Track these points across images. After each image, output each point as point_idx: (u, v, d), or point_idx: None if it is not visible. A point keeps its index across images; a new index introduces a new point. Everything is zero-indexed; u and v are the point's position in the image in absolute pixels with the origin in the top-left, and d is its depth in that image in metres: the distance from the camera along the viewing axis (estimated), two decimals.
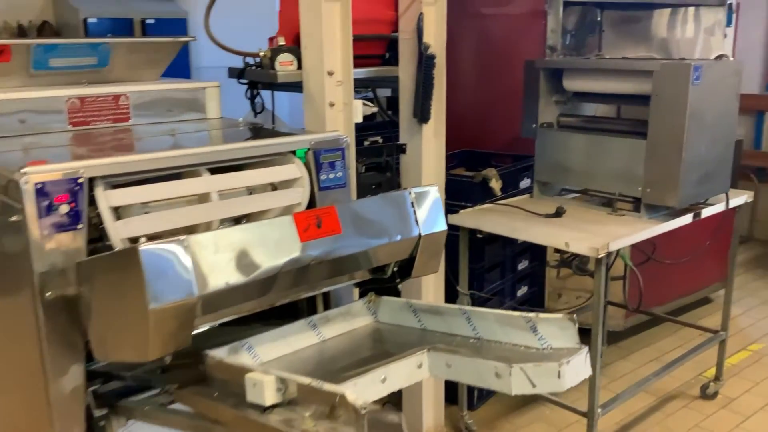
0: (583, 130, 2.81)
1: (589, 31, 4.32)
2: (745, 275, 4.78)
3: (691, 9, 4.16)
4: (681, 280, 3.86)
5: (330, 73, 2.28)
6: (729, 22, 4.40)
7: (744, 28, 5.31)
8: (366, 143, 3.00)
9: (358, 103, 2.37)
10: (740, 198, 2.87)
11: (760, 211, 5.55)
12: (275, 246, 1.38)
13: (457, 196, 2.91)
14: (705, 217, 2.68)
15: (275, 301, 1.54)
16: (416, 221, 1.53)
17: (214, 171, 1.68)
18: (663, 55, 4.26)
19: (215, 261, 1.31)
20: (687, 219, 2.60)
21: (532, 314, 1.52)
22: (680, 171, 2.43)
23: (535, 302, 3.38)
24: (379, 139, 2.90)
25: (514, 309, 3.23)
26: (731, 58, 2.64)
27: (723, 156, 2.65)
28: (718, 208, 2.74)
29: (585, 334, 3.72)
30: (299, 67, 2.34)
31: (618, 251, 2.55)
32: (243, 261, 1.35)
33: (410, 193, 1.55)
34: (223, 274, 1.32)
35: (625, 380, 3.31)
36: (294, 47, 2.34)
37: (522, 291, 3.28)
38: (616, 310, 3.53)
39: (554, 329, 1.51)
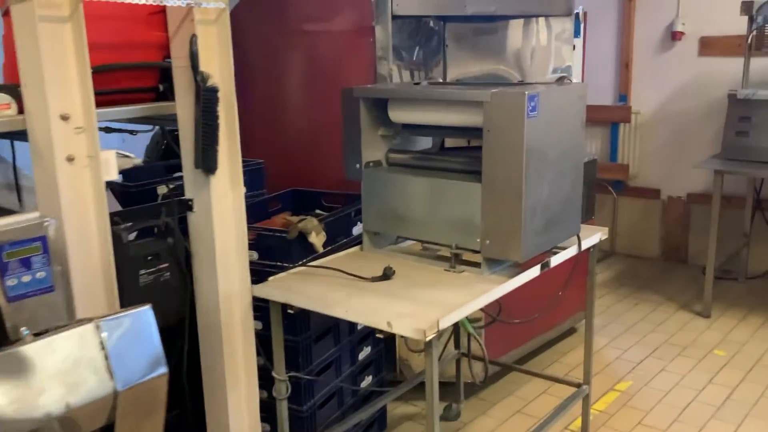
0: (414, 169, 2.38)
1: (431, 47, 3.95)
2: (608, 296, 4.58)
3: (543, 19, 3.87)
4: (540, 318, 3.54)
5: (64, 118, 1.70)
6: (577, 33, 4.16)
7: (595, 37, 5.16)
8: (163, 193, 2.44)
9: (110, 155, 1.80)
10: (594, 237, 2.53)
11: (621, 225, 5.42)
12: None
13: (271, 255, 2.40)
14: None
15: None
16: (109, 370, 1.00)
17: None
18: (515, 70, 3.96)
19: None
20: (534, 272, 2.21)
21: None
22: (521, 219, 2.03)
23: (382, 366, 2.92)
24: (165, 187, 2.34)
25: (355, 380, 2.75)
26: (573, 81, 2.30)
27: (572, 194, 2.29)
28: (569, 252, 2.38)
29: (448, 387, 3.37)
30: (21, 110, 1.74)
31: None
32: None
33: (97, 326, 1.01)
34: None
35: None
36: (13, 85, 1.74)
37: (365, 353, 2.81)
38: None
39: None
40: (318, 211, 2.94)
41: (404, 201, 2.30)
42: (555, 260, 2.31)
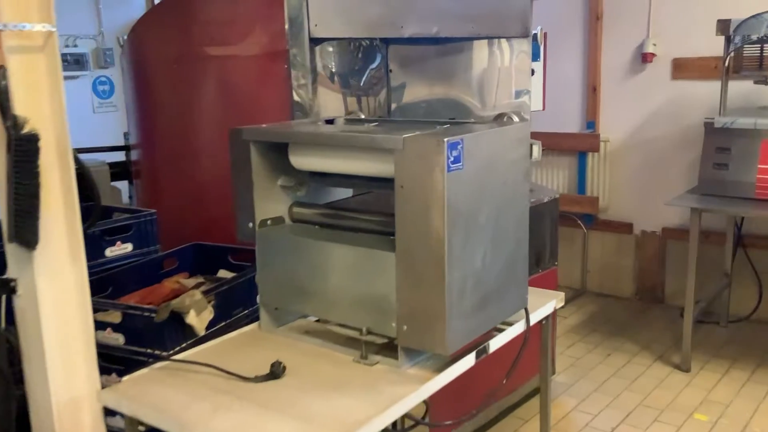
0: (321, 228, 1.91)
1: (380, 71, 3.51)
2: (578, 345, 4.12)
3: (501, 41, 3.45)
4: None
5: None
6: (537, 56, 3.74)
7: (559, 59, 4.76)
8: None
9: None
10: (546, 307, 2.07)
11: (592, 261, 4.99)
12: None
13: (140, 339, 1.91)
14: None
15: None
16: None
17: None
18: (472, 96, 3.53)
19: None
20: (468, 361, 1.75)
21: None
22: (445, 300, 1.57)
23: None
24: None
25: None
26: (515, 118, 1.85)
27: (515, 259, 1.83)
28: (514, 331, 1.92)
29: None
30: None
31: None
32: None
33: None
34: None
35: None
36: None
37: None
38: None
39: None
40: (222, 272, 2.46)
41: (306, 269, 1.82)
42: (495, 343, 1.84)
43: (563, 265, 5.06)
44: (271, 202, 1.94)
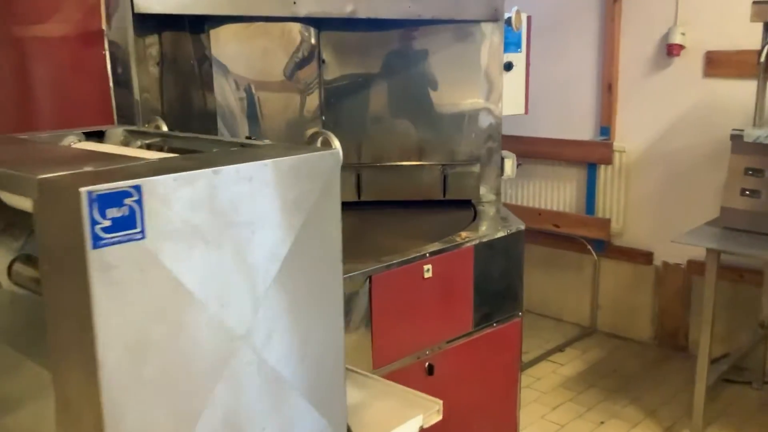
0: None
1: (302, 62, 2.84)
2: (567, 406, 3.33)
3: (485, 28, 2.71)
4: None
5: None
6: (517, 45, 2.97)
7: (568, 51, 3.95)
8: None
9: None
10: None
11: (604, 295, 4.16)
12: None
13: None
14: None
15: None
16: None
17: None
18: (427, 96, 2.83)
19: None
20: None
21: None
22: None
23: None
24: None
25: None
26: (335, 144, 1.13)
27: (317, 379, 1.12)
28: None
29: None
30: None
31: None
32: None
33: None
34: None
35: None
36: None
37: None
38: None
39: None
40: None
41: None
42: None
43: (569, 297, 4.26)
44: None
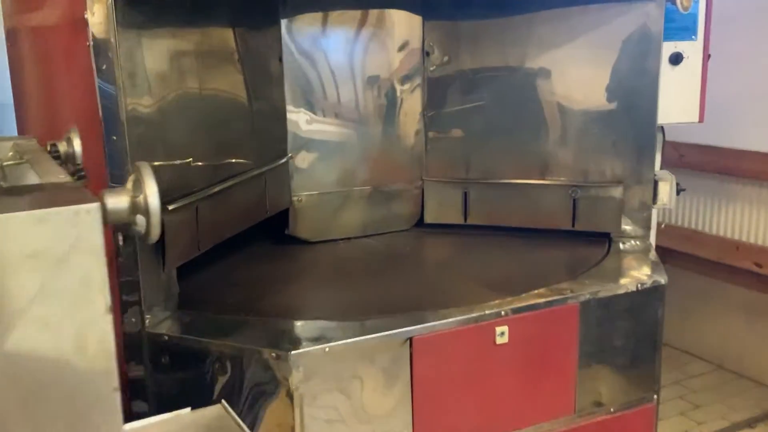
0: None
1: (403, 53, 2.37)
2: None
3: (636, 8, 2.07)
4: None
5: None
6: (688, 31, 2.24)
7: (755, 39, 3.02)
8: None
9: None
10: None
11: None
12: None
13: None
14: None
15: None
16: None
17: None
18: (555, 95, 2.25)
19: None
20: None
21: None
22: None
23: None
24: None
25: None
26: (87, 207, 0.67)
27: None
28: None
29: None
30: None
31: None
32: None
33: None
34: None
35: None
36: None
37: None
38: None
39: None
40: None
41: None
42: None
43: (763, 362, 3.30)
44: None
